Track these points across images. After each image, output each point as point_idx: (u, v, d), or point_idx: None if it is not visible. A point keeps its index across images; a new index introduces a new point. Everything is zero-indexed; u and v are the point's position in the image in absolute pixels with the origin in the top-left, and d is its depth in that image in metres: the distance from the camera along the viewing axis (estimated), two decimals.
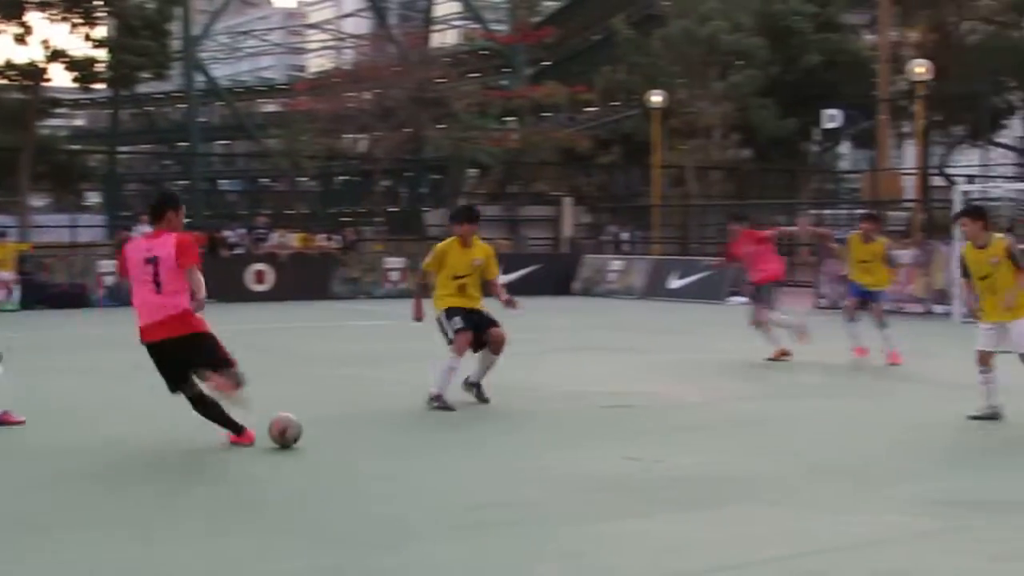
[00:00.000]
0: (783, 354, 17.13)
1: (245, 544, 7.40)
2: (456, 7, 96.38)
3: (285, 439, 10.13)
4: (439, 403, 12.35)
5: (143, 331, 10.19)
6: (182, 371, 10.18)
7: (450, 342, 12.52)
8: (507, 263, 35.12)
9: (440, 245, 12.90)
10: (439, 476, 9.32)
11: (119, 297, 29.55)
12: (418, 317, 12.99)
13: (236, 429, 10.30)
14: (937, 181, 53.06)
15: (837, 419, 12.20)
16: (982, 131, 46.91)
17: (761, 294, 17.81)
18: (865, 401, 13.57)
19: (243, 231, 33.95)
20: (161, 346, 10.14)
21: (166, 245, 10.16)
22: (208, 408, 10.27)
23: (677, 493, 8.74)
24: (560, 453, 10.25)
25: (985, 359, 11.85)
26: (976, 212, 12.18)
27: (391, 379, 15.20)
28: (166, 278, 10.09)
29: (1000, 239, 11.88)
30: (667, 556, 7.17)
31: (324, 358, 17.86)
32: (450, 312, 12.56)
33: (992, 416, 11.78)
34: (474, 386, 12.83)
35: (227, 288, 30.43)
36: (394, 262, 34.08)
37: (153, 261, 10.12)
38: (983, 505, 8.40)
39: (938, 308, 25.89)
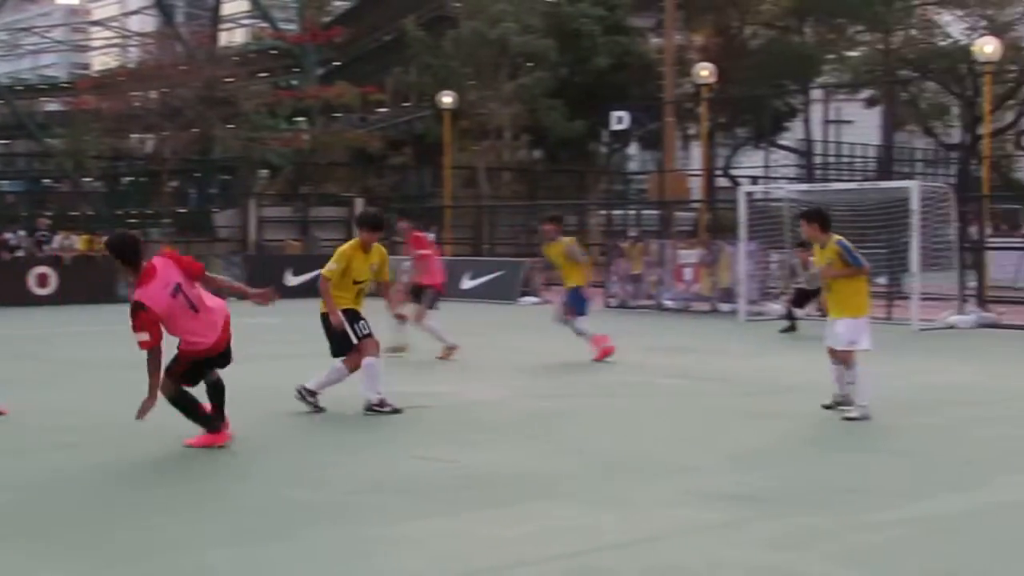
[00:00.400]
0: (448, 351, 17.64)
1: None
2: (244, 6, 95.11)
3: None
4: (388, 407, 12.33)
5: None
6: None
7: (359, 339, 12.39)
8: (298, 265, 35.00)
9: (344, 251, 12.69)
10: (226, 480, 9.19)
11: None
12: (340, 325, 12.40)
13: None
14: (722, 182, 54.31)
15: (627, 416, 12.39)
16: (765, 133, 48.15)
17: (423, 297, 18.36)
18: (653, 399, 13.80)
19: (23, 233, 33.02)
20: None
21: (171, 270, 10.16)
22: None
23: (473, 492, 8.77)
24: (356, 455, 10.21)
25: (832, 353, 12.25)
26: (813, 215, 12.62)
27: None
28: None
29: (834, 240, 12.20)
30: (460, 555, 7.21)
31: (106, 363, 17.46)
32: (355, 315, 12.52)
33: (843, 404, 12.28)
34: (312, 394, 12.58)
35: (9, 292, 29.63)
36: None
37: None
38: (761, 499, 8.60)
39: (724, 306, 26.45)
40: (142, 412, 9.89)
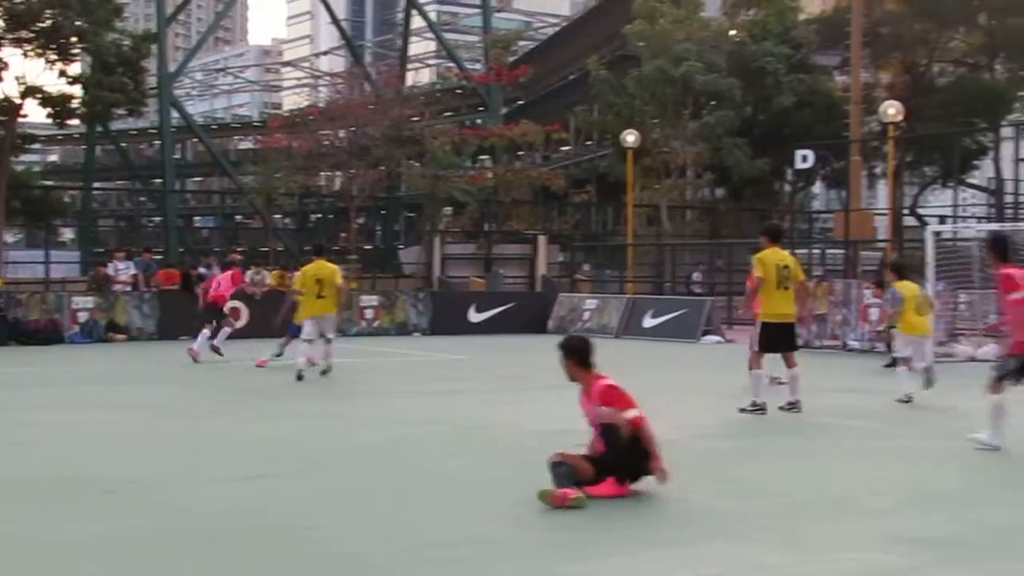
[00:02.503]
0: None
1: None
2: (431, 46, 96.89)
3: None
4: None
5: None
6: None
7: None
8: (481, 301, 35.35)
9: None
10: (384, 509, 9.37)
11: (92, 333, 29.66)
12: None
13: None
14: (909, 221, 53.44)
15: (810, 456, 12.28)
16: (953, 172, 47.37)
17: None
18: (836, 440, 13.65)
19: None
20: None
21: None
22: None
23: (651, 530, 8.82)
24: (534, 489, 10.34)
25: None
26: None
27: (357, 416, 15.29)
28: None
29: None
30: None
31: (292, 395, 17.88)
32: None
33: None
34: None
35: (198, 325, 30.50)
36: (369, 300, 34.12)
37: None
38: (947, 543, 8.49)
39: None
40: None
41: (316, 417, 15.36)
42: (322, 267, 20.99)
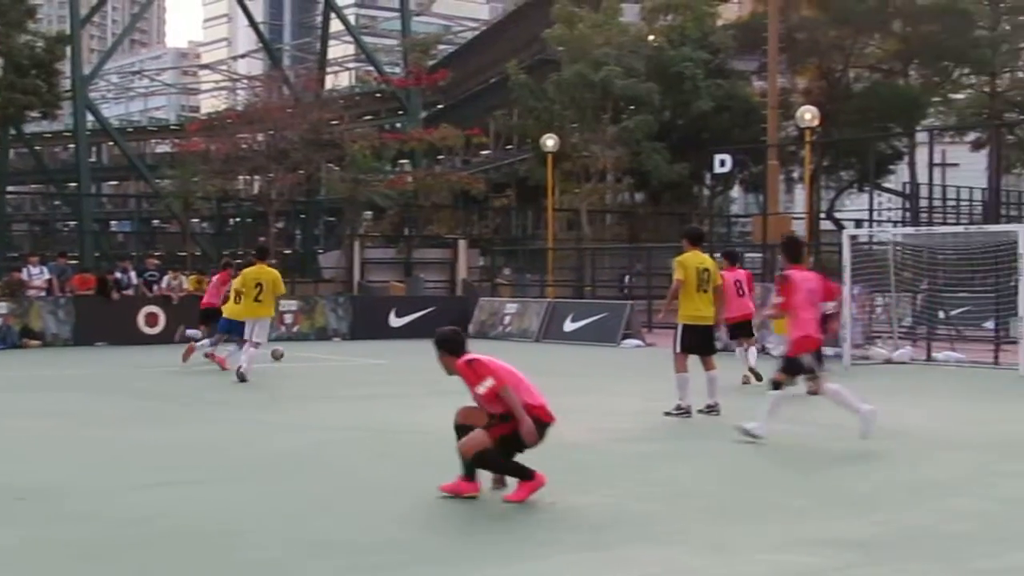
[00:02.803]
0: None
1: None
2: (350, 49, 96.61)
3: None
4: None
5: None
6: None
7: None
8: (401, 306, 35.26)
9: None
10: (344, 523, 9.29)
11: (6, 339, 29.24)
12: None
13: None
14: (826, 225, 53.93)
15: (730, 459, 12.32)
16: (869, 177, 47.88)
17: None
18: (755, 443, 13.73)
19: (134, 273, 33.59)
20: None
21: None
22: None
23: (570, 535, 8.77)
24: (456, 498, 10.28)
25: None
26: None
27: (276, 421, 15.18)
28: None
29: None
30: None
31: (208, 401, 17.74)
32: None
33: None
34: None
35: (118, 331, 30.22)
36: (288, 305, 33.89)
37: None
38: (867, 544, 8.54)
39: (829, 350, 26.16)
40: None
41: (234, 422, 15.22)
42: (263, 271, 21.08)
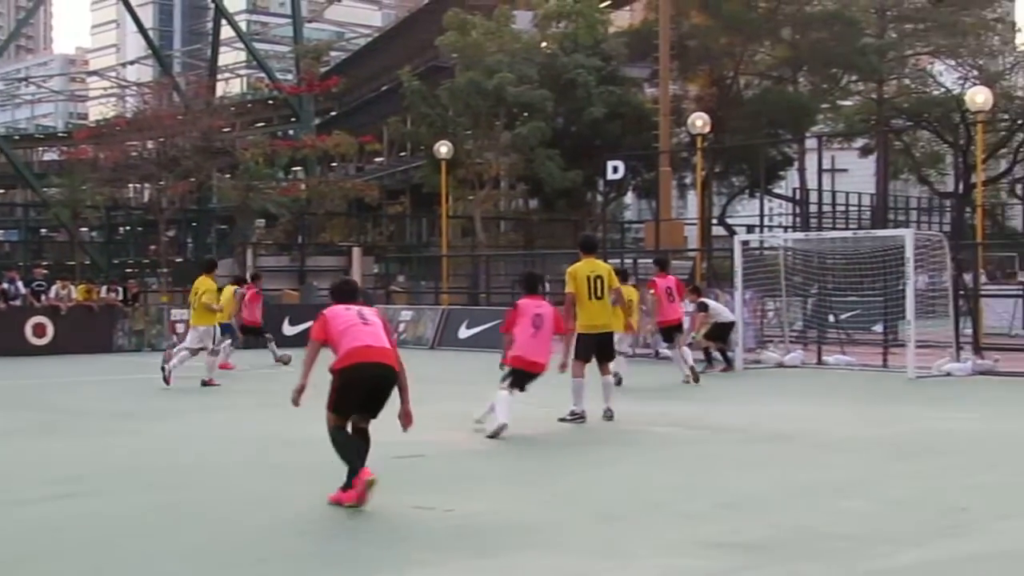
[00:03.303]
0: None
1: None
2: (242, 56, 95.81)
3: None
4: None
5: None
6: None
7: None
8: (294, 314, 35.01)
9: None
10: (218, 531, 9.19)
11: None
12: None
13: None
14: (719, 230, 54.39)
15: (622, 464, 12.38)
16: (760, 182, 48.38)
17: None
18: (648, 448, 13.80)
19: (21, 283, 33.03)
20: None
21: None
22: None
23: (464, 542, 8.77)
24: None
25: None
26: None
27: (170, 433, 14.99)
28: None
29: None
30: None
31: (100, 413, 17.49)
32: None
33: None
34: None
35: (5, 342, 29.67)
36: (180, 314, 33.47)
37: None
38: (757, 547, 8.61)
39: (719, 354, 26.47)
40: None
41: (121, 435, 14.99)
42: (203, 282, 22.74)
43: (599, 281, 15.79)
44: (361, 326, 10.12)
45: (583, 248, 16.36)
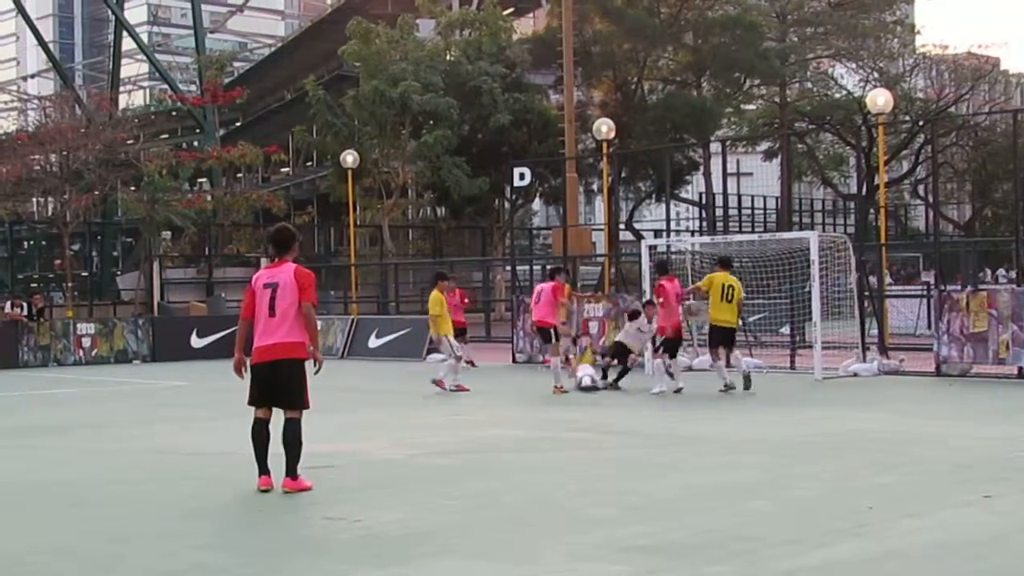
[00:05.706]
0: None
1: None
2: (144, 68, 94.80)
3: None
4: None
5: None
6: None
7: None
8: (202, 326, 34.73)
9: None
10: (136, 544, 9.11)
11: None
12: None
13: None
14: (626, 235, 54.72)
15: (533, 471, 12.42)
16: (666, 187, 48.76)
17: None
18: (558, 453, 13.86)
19: None
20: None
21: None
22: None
23: (375, 550, 8.75)
24: (265, 514, 10.17)
25: None
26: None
27: (71, 447, 14.82)
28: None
29: None
30: None
31: (9, 429, 17.25)
32: None
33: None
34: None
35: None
36: (86, 328, 33.12)
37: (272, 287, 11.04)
38: (667, 550, 8.67)
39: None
40: None
41: (26, 449, 14.78)
42: None
43: (731, 289, 20.99)
44: (267, 319, 10.88)
45: (721, 264, 21.71)
